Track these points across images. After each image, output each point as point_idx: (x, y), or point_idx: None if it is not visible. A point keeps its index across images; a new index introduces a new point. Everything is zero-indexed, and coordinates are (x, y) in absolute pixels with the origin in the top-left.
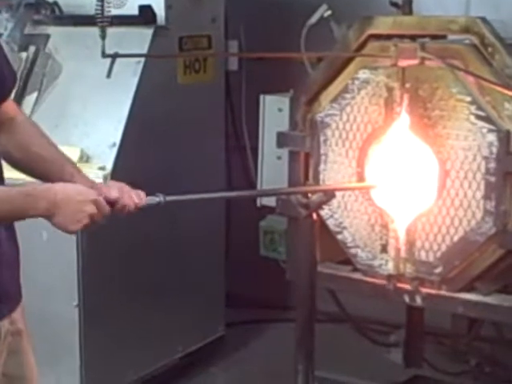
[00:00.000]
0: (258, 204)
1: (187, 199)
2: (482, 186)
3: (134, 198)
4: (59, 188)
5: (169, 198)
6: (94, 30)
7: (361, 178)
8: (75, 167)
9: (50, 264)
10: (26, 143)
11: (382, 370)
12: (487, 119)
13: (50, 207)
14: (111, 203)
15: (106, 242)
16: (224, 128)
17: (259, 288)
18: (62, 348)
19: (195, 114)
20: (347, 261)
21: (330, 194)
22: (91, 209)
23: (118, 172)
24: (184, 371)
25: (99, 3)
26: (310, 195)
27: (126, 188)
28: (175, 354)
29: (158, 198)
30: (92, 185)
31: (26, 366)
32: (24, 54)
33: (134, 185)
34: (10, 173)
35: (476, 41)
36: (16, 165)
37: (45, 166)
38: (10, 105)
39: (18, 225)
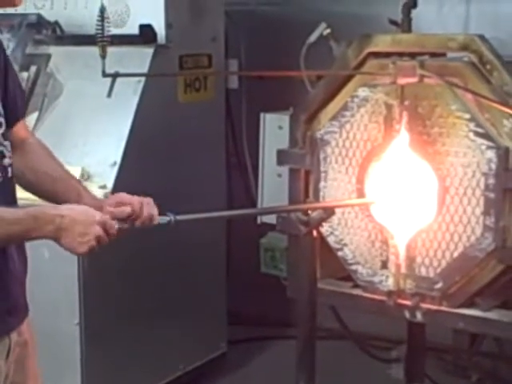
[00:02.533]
0: (259, 221)
1: (197, 218)
2: (482, 202)
3: (151, 213)
4: (66, 211)
5: (179, 217)
6: (95, 50)
7: (361, 195)
8: (83, 187)
9: (52, 282)
10: (35, 164)
11: None
12: (486, 136)
13: (56, 231)
14: (124, 219)
15: (106, 260)
16: (224, 146)
17: (260, 305)
18: (64, 366)
19: (196, 132)
20: (348, 277)
21: (329, 211)
22: (97, 231)
23: (119, 190)
24: None
25: (99, 23)
26: (310, 212)
27: (147, 200)
28: (177, 372)
29: (168, 218)
30: (101, 203)
31: (29, 375)
32: (25, 74)
33: None
34: (23, 193)
35: (474, 58)
36: (27, 186)
37: (53, 186)
38: (21, 127)
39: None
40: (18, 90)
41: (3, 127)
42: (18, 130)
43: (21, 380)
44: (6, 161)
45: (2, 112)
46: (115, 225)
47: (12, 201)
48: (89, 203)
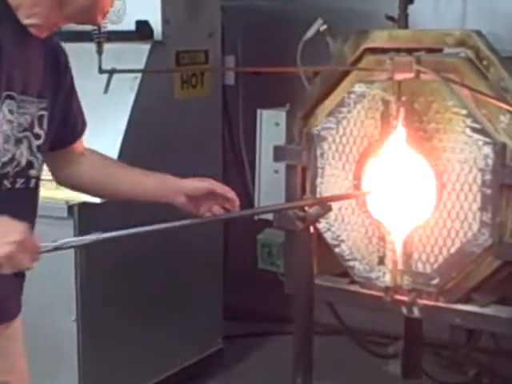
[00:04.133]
0: (256, 217)
1: (125, 234)
2: (479, 198)
3: None
4: None
5: (105, 235)
6: (91, 46)
7: (358, 190)
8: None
9: (48, 279)
10: (94, 166)
11: (380, 382)
12: (483, 132)
13: None
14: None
15: (103, 256)
16: (221, 142)
17: (257, 301)
18: (61, 362)
19: (192, 128)
20: (345, 273)
21: (326, 208)
22: (6, 250)
23: None
24: (183, 382)
25: None
26: (307, 208)
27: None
28: (173, 368)
29: (93, 237)
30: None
31: (12, 371)
32: None
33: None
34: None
35: (471, 54)
36: (95, 187)
37: (116, 179)
38: (80, 144)
39: None
40: (80, 111)
41: (41, 139)
42: (77, 146)
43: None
44: (33, 172)
45: (46, 127)
46: (40, 249)
47: (29, 211)
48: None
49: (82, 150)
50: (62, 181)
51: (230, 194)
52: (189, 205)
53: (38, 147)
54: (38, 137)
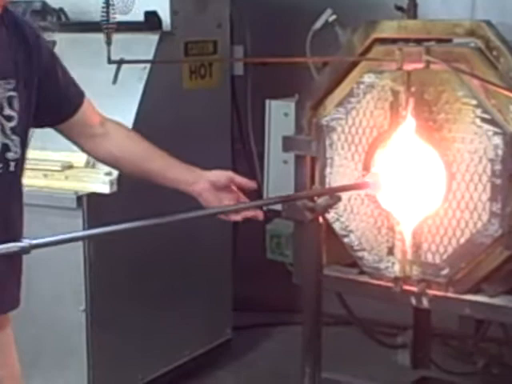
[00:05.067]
0: (264, 208)
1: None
2: (488, 189)
3: None
4: None
5: (35, 242)
6: (100, 37)
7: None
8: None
9: (57, 269)
10: (120, 144)
11: (389, 372)
12: (493, 122)
13: None
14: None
15: (112, 246)
16: (230, 133)
17: (266, 291)
18: (70, 352)
19: (201, 119)
20: (353, 264)
21: (335, 198)
22: None
23: (125, 178)
24: (191, 375)
25: (105, 9)
26: (316, 199)
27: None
28: (182, 358)
29: (22, 244)
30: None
31: (4, 365)
32: None
33: (141, 190)
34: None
35: (481, 44)
36: (123, 162)
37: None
38: (90, 114)
39: (24, 229)
40: (71, 83)
41: (15, 121)
42: (88, 118)
43: None
44: (10, 155)
45: (18, 108)
46: None
47: (11, 195)
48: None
49: (99, 120)
50: (93, 154)
51: (251, 183)
52: (210, 194)
53: (12, 129)
54: (9, 118)
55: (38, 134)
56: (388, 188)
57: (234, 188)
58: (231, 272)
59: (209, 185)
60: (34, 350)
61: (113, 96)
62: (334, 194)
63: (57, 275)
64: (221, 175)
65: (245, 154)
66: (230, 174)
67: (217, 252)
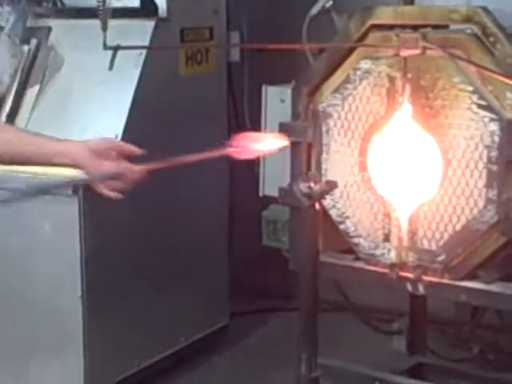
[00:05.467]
0: (261, 194)
1: None
2: (484, 175)
3: None
4: None
5: None
6: (96, 23)
7: (363, 168)
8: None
9: (54, 255)
10: None
11: (385, 358)
12: (489, 108)
13: None
14: None
15: (108, 233)
16: (226, 119)
17: (262, 278)
18: (66, 338)
19: (197, 105)
20: (350, 250)
21: (332, 185)
22: None
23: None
24: (187, 361)
25: None
26: (312, 185)
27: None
28: (178, 344)
29: None
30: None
31: None
32: (26, 47)
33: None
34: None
35: (478, 31)
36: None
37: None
38: None
39: (21, 216)
40: None
41: None
42: None
43: None
44: None
45: None
46: None
47: None
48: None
49: None
50: None
51: (137, 150)
52: (90, 161)
53: None
54: None
55: (34, 121)
56: (384, 174)
57: (114, 155)
58: (227, 258)
59: (88, 153)
60: (31, 336)
61: (109, 82)
62: (331, 181)
63: (53, 262)
64: (102, 142)
65: None
66: (112, 140)
67: (213, 238)
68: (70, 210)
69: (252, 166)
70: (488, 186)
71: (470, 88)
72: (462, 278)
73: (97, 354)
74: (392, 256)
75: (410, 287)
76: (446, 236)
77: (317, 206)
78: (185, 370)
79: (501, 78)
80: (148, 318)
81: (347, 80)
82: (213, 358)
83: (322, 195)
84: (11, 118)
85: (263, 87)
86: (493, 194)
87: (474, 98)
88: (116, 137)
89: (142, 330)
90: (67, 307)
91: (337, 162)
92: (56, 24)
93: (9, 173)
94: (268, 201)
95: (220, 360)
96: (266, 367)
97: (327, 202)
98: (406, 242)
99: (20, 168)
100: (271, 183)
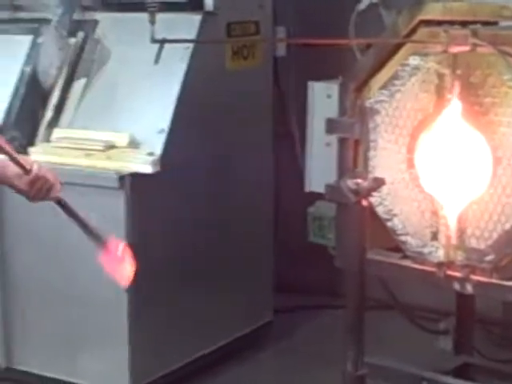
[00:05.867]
0: (307, 190)
1: None
2: None
3: None
4: None
5: None
6: (142, 16)
7: (411, 165)
8: None
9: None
10: None
11: (431, 358)
12: None
13: None
14: None
15: (154, 226)
16: (272, 114)
17: (307, 274)
18: (111, 333)
19: (243, 100)
20: (396, 248)
21: (380, 181)
22: None
23: (167, 158)
24: (232, 356)
25: None
26: (360, 182)
27: None
28: (223, 340)
29: None
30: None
31: None
32: (73, 40)
33: (183, 170)
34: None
35: None
36: None
37: None
38: None
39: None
40: None
41: None
42: None
43: None
44: None
45: None
46: None
47: None
48: None
49: None
50: None
51: None
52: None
53: None
54: None
55: (80, 114)
56: (432, 172)
57: None
58: (272, 255)
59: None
60: (78, 329)
61: (155, 76)
62: (378, 178)
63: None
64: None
65: (286, 137)
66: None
67: (258, 234)
68: (116, 203)
69: (297, 163)
70: None
71: None
72: (511, 278)
73: (142, 349)
74: (440, 254)
75: (457, 286)
76: (494, 235)
77: (364, 202)
78: (229, 366)
79: None
80: (193, 313)
81: (395, 76)
82: (257, 355)
83: (369, 192)
84: (58, 110)
85: (309, 83)
86: None
87: None
88: (162, 131)
89: (186, 326)
90: (113, 301)
91: (384, 159)
92: (102, 17)
93: None
94: (314, 197)
95: (264, 356)
96: (310, 364)
97: (374, 199)
98: (454, 241)
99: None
100: (317, 179)
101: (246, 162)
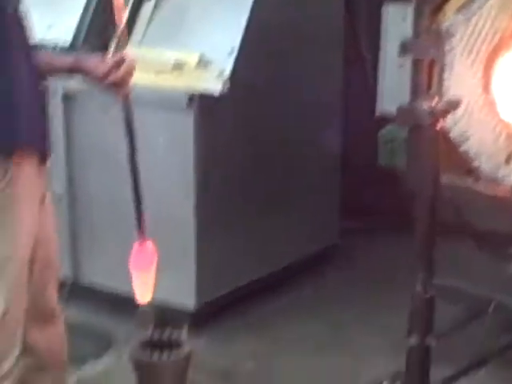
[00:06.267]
0: (377, 113)
1: None
2: None
3: None
4: None
5: None
6: None
7: (486, 90)
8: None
9: (167, 167)
10: None
11: (501, 282)
12: None
13: None
14: None
15: (222, 145)
16: (343, 38)
17: (376, 198)
18: (179, 248)
19: (314, 23)
20: (469, 172)
21: (455, 103)
22: None
23: (237, 78)
24: (296, 278)
25: None
26: (434, 103)
27: None
28: (289, 260)
29: None
30: None
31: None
32: None
33: (254, 91)
34: None
35: None
36: None
37: None
38: None
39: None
40: None
41: None
42: None
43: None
44: None
45: None
46: None
47: None
48: None
49: None
50: None
51: None
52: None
53: None
54: None
55: (150, 33)
56: (508, 96)
57: None
58: (340, 177)
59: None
60: None
61: (224, 3)
62: (454, 100)
63: (167, 173)
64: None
65: (357, 61)
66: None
67: (326, 156)
68: (184, 122)
69: (368, 86)
70: None
71: None
72: None
73: (208, 265)
74: None
75: None
76: None
77: (438, 124)
78: (294, 288)
79: None
80: (259, 234)
81: None
82: (322, 276)
83: (444, 113)
84: (128, 31)
85: (384, 6)
86: None
87: None
88: (232, 52)
89: (253, 246)
90: (181, 219)
91: (459, 82)
92: None
93: None
94: (385, 122)
95: (329, 278)
96: (377, 285)
97: (448, 120)
98: None
99: None
100: (390, 102)
101: (314, 85)
